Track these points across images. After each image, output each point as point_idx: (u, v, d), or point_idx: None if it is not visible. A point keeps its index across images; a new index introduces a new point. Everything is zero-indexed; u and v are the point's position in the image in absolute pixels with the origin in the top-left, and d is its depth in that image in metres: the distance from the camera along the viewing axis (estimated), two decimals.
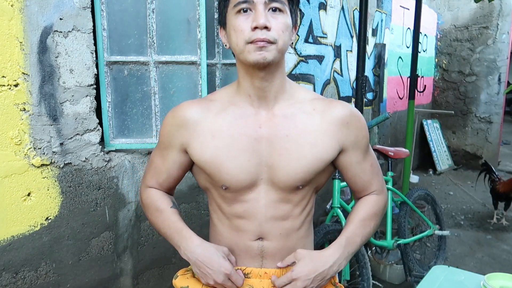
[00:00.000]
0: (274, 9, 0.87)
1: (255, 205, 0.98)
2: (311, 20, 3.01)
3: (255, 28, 0.85)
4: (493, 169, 3.97)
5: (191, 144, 0.97)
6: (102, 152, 1.73)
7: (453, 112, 5.27)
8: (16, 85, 1.42)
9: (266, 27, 0.84)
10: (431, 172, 5.62)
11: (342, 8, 3.45)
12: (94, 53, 1.65)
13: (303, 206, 1.02)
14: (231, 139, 0.94)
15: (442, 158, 5.78)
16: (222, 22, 0.96)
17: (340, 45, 3.48)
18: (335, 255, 0.96)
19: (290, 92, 0.99)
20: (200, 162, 0.97)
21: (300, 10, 2.88)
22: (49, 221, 1.58)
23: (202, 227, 2.19)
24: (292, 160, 0.94)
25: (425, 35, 5.45)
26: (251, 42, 0.85)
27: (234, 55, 0.97)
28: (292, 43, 0.96)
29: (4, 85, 1.39)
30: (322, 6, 3.14)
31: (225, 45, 0.96)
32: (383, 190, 1.08)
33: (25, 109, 1.45)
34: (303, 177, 0.96)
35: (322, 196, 3.34)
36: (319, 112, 0.97)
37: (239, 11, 0.87)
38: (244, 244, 1.01)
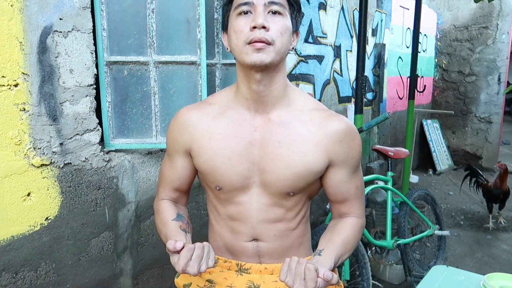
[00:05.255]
0: (274, 12, 0.88)
1: (247, 208, 0.99)
2: (311, 20, 3.01)
3: (254, 28, 0.86)
4: (479, 172, 3.87)
5: (192, 146, 1.00)
6: (102, 152, 1.73)
7: (453, 112, 5.27)
8: (16, 85, 1.42)
9: (264, 27, 0.85)
10: (431, 172, 5.62)
11: (342, 8, 3.45)
12: (94, 53, 1.65)
13: (296, 211, 1.02)
14: (226, 142, 0.96)
15: (442, 158, 5.78)
16: (224, 26, 0.97)
17: (340, 45, 3.48)
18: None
19: (290, 98, 0.98)
20: (198, 163, 1.00)
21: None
22: (49, 221, 1.58)
23: (202, 227, 2.19)
24: (283, 167, 0.94)
25: (425, 35, 5.45)
26: (250, 43, 0.86)
27: (235, 58, 0.99)
28: (293, 48, 0.96)
29: (4, 85, 1.39)
30: (322, 6, 3.14)
31: (227, 49, 0.98)
32: (362, 216, 1.05)
33: (25, 109, 1.45)
34: (292, 184, 0.96)
35: (322, 196, 3.34)
36: (315, 123, 0.96)
37: (240, 13, 0.89)
38: (240, 245, 1.02)
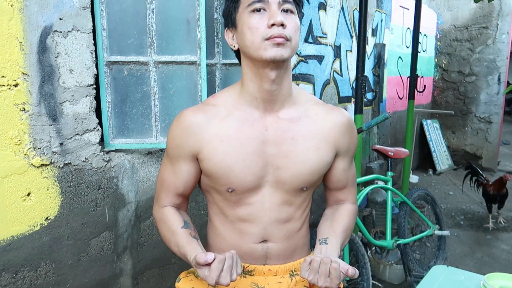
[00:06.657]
0: (286, 10, 0.90)
1: (259, 208, 0.99)
2: (311, 20, 3.01)
3: (272, 25, 0.86)
4: (479, 171, 3.89)
5: (201, 150, 0.96)
6: (102, 152, 1.73)
7: (452, 112, 5.27)
8: (16, 85, 1.42)
9: (282, 24, 0.86)
10: (431, 172, 5.62)
11: (342, 8, 3.45)
12: (94, 53, 1.65)
13: (303, 208, 1.05)
14: (239, 143, 0.94)
15: (441, 158, 5.78)
16: (231, 24, 0.95)
17: (340, 45, 3.48)
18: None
19: (294, 95, 1.01)
20: (208, 166, 0.96)
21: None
22: (49, 221, 1.58)
23: (202, 227, 2.19)
24: (298, 162, 0.97)
25: (425, 35, 5.45)
26: (268, 39, 0.87)
27: (238, 58, 0.98)
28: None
29: (4, 85, 1.39)
30: (322, 6, 3.14)
31: (233, 47, 0.96)
32: (356, 201, 1.14)
33: (25, 109, 1.45)
34: (307, 178, 0.99)
35: (322, 196, 3.34)
36: (320, 117, 1.01)
37: (253, 11, 0.89)
38: (248, 246, 1.02)
